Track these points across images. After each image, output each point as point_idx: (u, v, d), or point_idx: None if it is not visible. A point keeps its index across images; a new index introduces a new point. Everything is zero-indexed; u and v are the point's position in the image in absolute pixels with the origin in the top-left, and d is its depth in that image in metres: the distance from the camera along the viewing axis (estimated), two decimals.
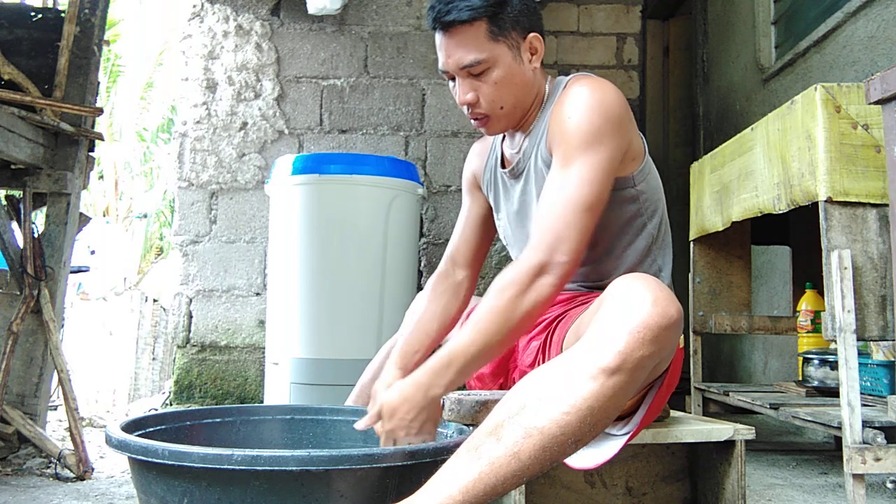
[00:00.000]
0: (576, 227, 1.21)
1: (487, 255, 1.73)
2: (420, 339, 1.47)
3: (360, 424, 1.27)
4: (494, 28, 1.32)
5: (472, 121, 1.40)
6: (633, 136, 1.36)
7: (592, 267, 1.43)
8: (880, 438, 1.48)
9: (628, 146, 1.34)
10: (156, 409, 3.26)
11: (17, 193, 2.25)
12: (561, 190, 1.24)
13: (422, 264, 3.46)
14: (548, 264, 1.18)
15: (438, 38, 1.35)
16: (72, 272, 2.73)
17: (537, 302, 1.18)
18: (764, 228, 2.59)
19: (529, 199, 1.43)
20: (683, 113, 4.32)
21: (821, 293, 2.02)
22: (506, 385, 1.51)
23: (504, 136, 1.54)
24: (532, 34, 1.37)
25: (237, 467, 0.96)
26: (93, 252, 9.84)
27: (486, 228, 1.62)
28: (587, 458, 1.17)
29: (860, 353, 1.56)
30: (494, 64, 1.33)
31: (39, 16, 2.43)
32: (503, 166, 1.52)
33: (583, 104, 1.28)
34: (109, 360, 7.00)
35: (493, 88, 1.34)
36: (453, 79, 1.37)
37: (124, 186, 12.61)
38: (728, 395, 2.31)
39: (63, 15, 2.35)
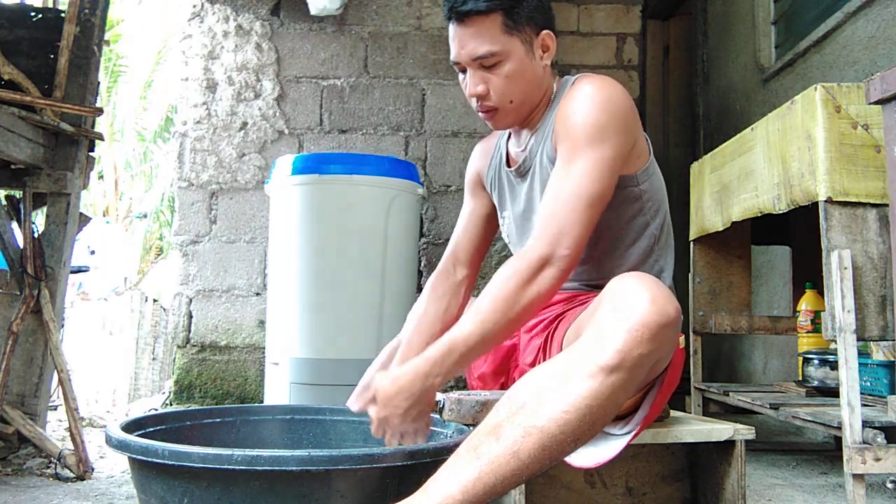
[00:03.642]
0: (578, 222, 1.21)
1: (487, 254, 1.74)
2: (423, 341, 1.47)
3: (354, 404, 1.27)
4: (509, 21, 1.32)
5: (480, 113, 1.40)
6: (637, 135, 1.36)
7: (593, 266, 1.43)
8: (880, 438, 1.48)
9: (633, 144, 1.34)
10: (156, 409, 3.26)
11: (17, 193, 2.25)
12: (565, 184, 1.25)
13: (422, 264, 3.46)
14: (551, 257, 1.19)
15: (452, 28, 1.36)
16: (72, 272, 2.73)
17: (539, 294, 1.18)
18: (764, 228, 2.58)
19: (535, 198, 1.44)
20: (683, 113, 4.31)
21: (821, 293, 2.02)
22: (507, 384, 1.51)
23: (510, 135, 1.54)
24: (545, 31, 1.38)
25: (237, 467, 0.96)
26: (93, 252, 9.83)
27: (488, 228, 1.63)
28: (588, 457, 1.17)
29: (860, 353, 1.56)
30: (507, 57, 1.34)
31: (39, 16, 2.43)
32: (508, 165, 1.52)
33: (588, 101, 1.29)
34: (109, 360, 7.00)
35: (504, 82, 1.35)
36: (464, 71, 1.37)
37: (124, 186, 12.62)
38: (728, 395, 2.30)
39: (63, 15, 2.35)
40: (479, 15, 1.31)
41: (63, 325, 2.90)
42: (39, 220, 2.42)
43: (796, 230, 2.73)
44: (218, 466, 0.97)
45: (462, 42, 1.34)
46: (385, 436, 1.22)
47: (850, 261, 1.53)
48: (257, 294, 3.41)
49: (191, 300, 3.42)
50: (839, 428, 1.57)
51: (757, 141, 1.96)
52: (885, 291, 1.55)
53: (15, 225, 2.22)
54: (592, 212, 1.23)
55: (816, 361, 2.11)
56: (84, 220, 2.47)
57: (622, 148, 1.29)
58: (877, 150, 1.57)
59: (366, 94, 3.55)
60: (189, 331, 3.41)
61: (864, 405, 1.59)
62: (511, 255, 1.58)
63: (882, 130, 1.36)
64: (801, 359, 2.23)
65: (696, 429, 1.40)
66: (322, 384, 2.52)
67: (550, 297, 1.21)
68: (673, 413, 1.52)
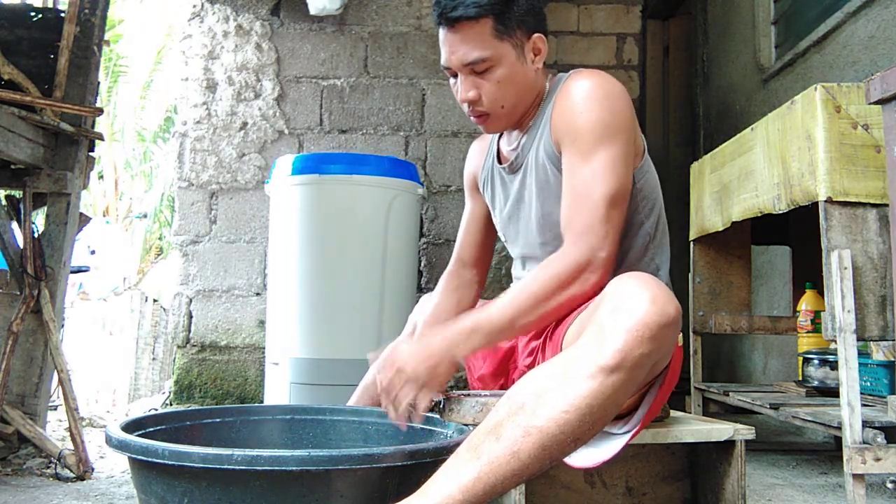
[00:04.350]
0: (610, 222, 1.24)
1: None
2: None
3: (373, 354, 1.27)
4: (500, 26, 1.32)
5: (472, 118, 1.40)
6: (637, 131, 1.37)
7: None
8: (880, 438, 1.48)
9: (636, 138, 1.35)
10: (156, 409, 3.26)
11: (17, 193, 2.25)
12: (586, 185, 1.26)
13: (422, 264, 3.46)
14: (590, 262, 1.22)
15: (442, 33, 1.35)
16: (72, 272, 2.73)
17: (578, 294, 1.22)
18: (764, 228, 2.58)
19: (528, 193, 1.44)
20: (683, 113, 4.31)
21: (821, 293, 2.02)
22: (506, 386, 1.51)
23: (501, 134, 1.54)
24: (536, 35, 1.38)
25: (237, 467, 0.96)
26: (93, 252, 9.82)
27: (490, 228, 1.64)
28: (588, 457, 1.17)
29: (860, 353, 1.56)
30: (498, 62, 1.33)
31: (39, 16, 2.43)
32: (500, 162, 1.52)
33: (591, 97, 1.30)
34: (109, 360, 6.99)
35: (495, 87, 1.35)
36: (455, 75, 1.37)
37: (124, 186, 12.60)
38: (728, 395, 2.31)
39: (63, 15, 2.35)
40: (468, 21, 1.31)
41: (63, 325, 2.90)
42: (39, 220, 2.42)
43: (796, 230, 2.73)
44: (218, 466, 0.97)
45: (452, 48, 1.34)
46: (393, 388, 1.21)
47: (850, 261, 1.53)
48: (257, 294, 3.41)
49: (191, 300, 3.42)
50: (839, 428, 1.57)
51: (757, 141, 1.96)
52: (885, 291, 1.55)
53: (15, 225, 2.22)
54: (620, 210, 1.26)
55: (816, 361, 2.11)
56: (84, 220, 2.47)
57: (631, 142, 1.31)
58: (877, 150, 1.57)
59: (366, 94, 3.55)
60: (189, 331, 3.41)
61: (864, 405, 1.59)
62: (509, 253, 1.59)
63: (882, 130, 1.36)
64: (801, 359, 2.23)
65: (696, 429, 1.40)
66: (322, 384, 2.52)
67: (590, 297, 1.22)
68: (673, 413, 1.52)
